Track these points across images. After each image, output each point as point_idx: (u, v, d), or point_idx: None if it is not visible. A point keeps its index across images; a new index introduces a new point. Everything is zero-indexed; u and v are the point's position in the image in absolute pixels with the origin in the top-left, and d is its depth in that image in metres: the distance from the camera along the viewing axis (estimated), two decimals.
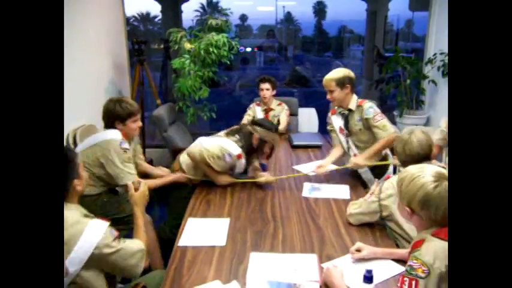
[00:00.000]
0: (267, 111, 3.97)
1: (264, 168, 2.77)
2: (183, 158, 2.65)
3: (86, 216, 1.50)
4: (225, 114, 5.32)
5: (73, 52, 2.60)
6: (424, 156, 1.83)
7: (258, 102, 3.99)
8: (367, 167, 2.60)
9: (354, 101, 2.59)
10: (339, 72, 2.54)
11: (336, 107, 2.70)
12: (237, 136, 2.51)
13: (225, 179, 2.52)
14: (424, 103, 4.69)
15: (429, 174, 1.30)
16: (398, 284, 1.24)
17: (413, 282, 1.18)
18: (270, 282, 1.52)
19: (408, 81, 4.55)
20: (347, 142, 2.68)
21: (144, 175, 2.59)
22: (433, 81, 4.40)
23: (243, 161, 2.50)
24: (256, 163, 2.69)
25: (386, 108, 6.14)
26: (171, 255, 1.74)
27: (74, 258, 1.38)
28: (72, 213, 1.45)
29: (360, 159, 2.51)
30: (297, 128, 4.24)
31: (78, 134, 2.70)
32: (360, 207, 1.97)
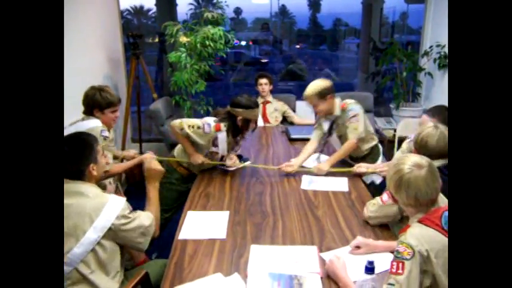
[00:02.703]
0: (264, 103, 4.06)
1: (243, 159, 2.77)
2: (176, 149, 2.69)
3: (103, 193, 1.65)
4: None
5: (68, 46, 2.57)
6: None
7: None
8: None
9: (337, 106, 2.64)
10: (316, 87, 2.56)
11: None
12: (224, 121, 2.51)
13: (199, 158, 2.54)
14: (421, 95, 4.71)
15: (408, 162, 1.42)
16: (389, 268, 1.33)
17: (400, 264, 1.29)
18: (271, 274, 1.52)
19: (404, 73, 4.55)
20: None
21: (114, 158, 2.64)
22: (429, 74, 4.41)
23: (223, 134, 2.50)
24: (233, 155, 2.69)
25: (383, 101, 6.16)
26: (172, 249, 1.74)
27: (97, 225, 1.51)
28: (92, 189, 1.60)
29: (323, 165, 2.58)
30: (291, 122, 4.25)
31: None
32: (377, 210, 1.89)
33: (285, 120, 4.15)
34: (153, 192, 1.90)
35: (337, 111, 2.64)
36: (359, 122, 2.57)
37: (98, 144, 1.72)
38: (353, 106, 2.61)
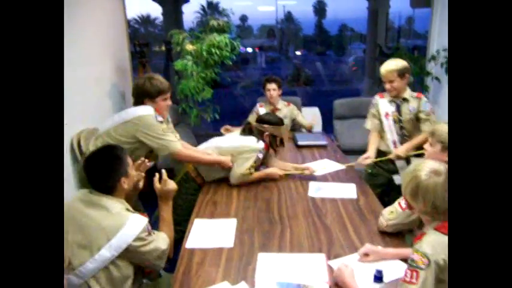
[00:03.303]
0: (272, 111, 3.87)
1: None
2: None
3: (127, 210, 1.61)
4: (228, 115, 5.31)
5: (76, 56, 2.60)
6: None
7: (261, 103, 3.95)
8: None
9: (409, 92, 2.70)
10: (398, 63, 2.62)
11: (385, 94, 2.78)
12: (251, 135, 2.59)
13: (276, 171, 2.61)
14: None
15: (425, 168, 1.37)
16: (403, 276, 1.29)
17: (414, 274, 1.25)
18: (279, 283, 1.51)
19: (411, 78, 4.53)
20: (390, 127, 2.74)
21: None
22: (437, 78, 4.38)
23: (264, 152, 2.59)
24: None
25: None
26: (179, 258, 1.73)
27: (113, 244, 1.49)
28: (116, 205, 1.58)
29: (401, 150, 2.61)
30: (300, 127, 4.22)
31: (82, 138, 2.70)
32: (397, 217, 1.82)
33: (293, 127, 3.97)
34: (167, 212, 1.85)
35: (407, 95, 2.69)
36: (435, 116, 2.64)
37: (127, 155, 1.68)
38: (426, 99, 2.68)
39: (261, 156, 2.54)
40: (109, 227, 1.50)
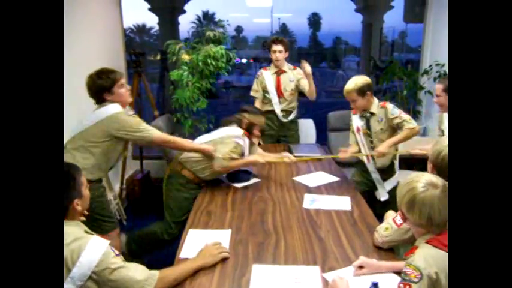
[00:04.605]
0: (278, 73, 3.72)
1: (247, 175, 2.83)
2: (186, 156, 2.68)
3: (86, 232, 1.47)
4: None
5: (72, 64, 2.60)
6: None
7: (265, 67, 3.82)
8: (376, 169, 2.82)
9: (375, 104, 2.72)
10: (357, 82, 2.65)
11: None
12: (232, 124, 2.73)
13: (257, 158, 2.75)
14: (421, 113, 4.72)
15: (423, 180, 1.38)
16: None
17: (407, 287, 1.25)
18: None
19: (405, 92, 4.58)
20: (362, 141, 2.82)
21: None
22: (430, 92, 4.44)
23: (246, 140, 2.69)
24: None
25: None
26: None
27: (75, 275, 1.34)
28: (73, 229, 1.42)
29: (383, 147, 2.63)
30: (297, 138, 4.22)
31: None
32: (392, 234, 1.79)
33: (300, 93, 3.78)
34: (189, 264, 1.66)
35: (373, 109, 2.72)
36: (408, 115, 2.65)
37: (81, 175, 1.53)
38: (392, 104, 2.70)
39: (241, 142, 2.62)
40: (66, 257, 1.33)
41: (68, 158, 2.23)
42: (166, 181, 2.73)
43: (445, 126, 2.60)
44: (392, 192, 2.77)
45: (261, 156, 2.82)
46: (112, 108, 2.35)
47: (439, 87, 2.55)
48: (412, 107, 4.67)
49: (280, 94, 3.75)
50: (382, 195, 2.82)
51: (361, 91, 2.64)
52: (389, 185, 2.84)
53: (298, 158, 3.06)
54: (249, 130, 2.73)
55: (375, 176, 2.85)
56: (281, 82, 3.73)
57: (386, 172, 2.87)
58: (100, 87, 2.34)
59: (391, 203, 2.55)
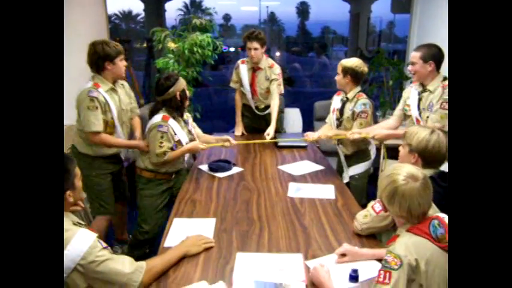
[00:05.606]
0: (254, 69, 3.46)
1: (228, 165, 2.83)
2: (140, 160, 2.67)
3: (74, 224, 1.45)
4: (209, 114, 5.29)
5: None
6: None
7: (243, 60, 3.55)
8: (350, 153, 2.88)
9: (354, 92, 2.76)
10: (349, 62, 2.71)
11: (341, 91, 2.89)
12: (163, 108, 2.56)
13: (197, 145, 2.64)
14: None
15: (403, 173, 1.40)
16: (376, 277, 1.33)
17: (387, 274, 1.29)
18: (256, 282, 1.52)
19: (391, 82, 4.61)
20: (332, 121, 2.93)
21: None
22: None
23: (175, 122, 2.54)
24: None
25: None
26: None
27: None
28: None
29: (315, 134, 2.86)
30: (281, 127, 4.22)
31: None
32: (371, 221, 1.83)
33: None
34: (173, 253, 1.68)
35: (350, 95, 2.77)
36: (367, 119, 2.70)
37: (75, 166, 1.50)
38: (366, 103, 2.70)
39: (164, 129, 2.46)
40: None
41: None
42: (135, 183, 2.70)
43: (412, 101, 2.56)
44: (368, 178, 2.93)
45: (202, 141, 2.73)
46: (84, 85, 2.43)
47: (415, 55, 2.44)
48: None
49: (253, 91, 3.52)
50: (345, 179, 2.86)
51: (345, 70, 2.70)
52: (353, 170, 2.87)
53: (242, 142, 3.26)
54: (182, 99, 2.55)
55: (342, 158, 2.92)
56: (256, 80, 3.48)
57: (358, 156, 2.87)
58: (106, 54, 2.41)
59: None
